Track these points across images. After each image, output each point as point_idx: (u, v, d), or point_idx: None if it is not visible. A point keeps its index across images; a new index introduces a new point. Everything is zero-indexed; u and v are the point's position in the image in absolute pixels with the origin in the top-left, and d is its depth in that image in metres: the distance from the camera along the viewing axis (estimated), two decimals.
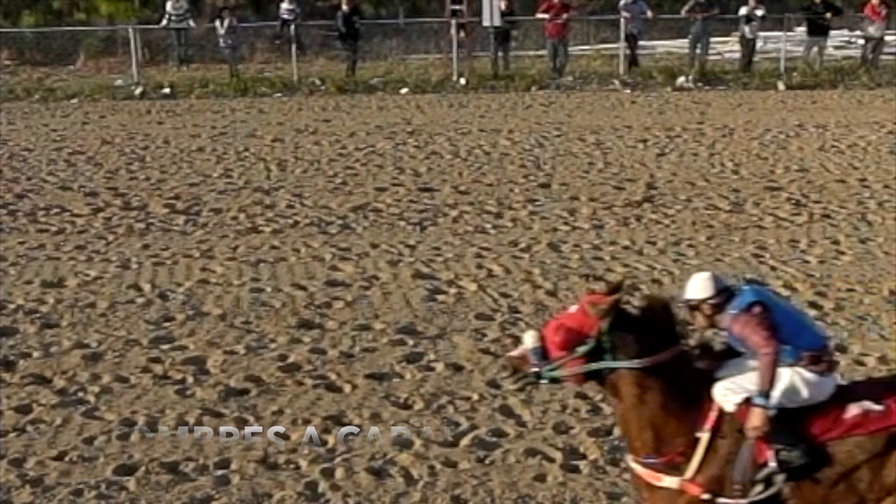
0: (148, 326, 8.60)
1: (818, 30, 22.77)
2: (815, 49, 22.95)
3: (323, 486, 6.18)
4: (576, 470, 6.30)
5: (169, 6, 23.23)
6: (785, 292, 9.32)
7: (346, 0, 22.27)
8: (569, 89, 21.45)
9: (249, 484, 6.21)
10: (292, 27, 22.84)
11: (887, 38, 23.38)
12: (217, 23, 22.85)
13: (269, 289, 9.52)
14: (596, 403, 7.18)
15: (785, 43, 23.25)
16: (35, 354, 8.06)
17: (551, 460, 6.41)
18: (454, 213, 12.05)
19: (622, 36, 22.86)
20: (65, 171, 14.42)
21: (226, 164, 14.68)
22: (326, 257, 10.47)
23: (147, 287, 9.58)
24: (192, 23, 23.86)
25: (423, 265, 10.20)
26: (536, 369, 4.67)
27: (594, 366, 4.62)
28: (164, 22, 23.45)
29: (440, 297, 9.26)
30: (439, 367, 7.79)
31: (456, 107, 19.55)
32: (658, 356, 4.60)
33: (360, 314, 8.89)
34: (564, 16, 22.48)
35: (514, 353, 4.84)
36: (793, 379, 4.62)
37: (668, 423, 4.62)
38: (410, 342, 8.25)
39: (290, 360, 7.92)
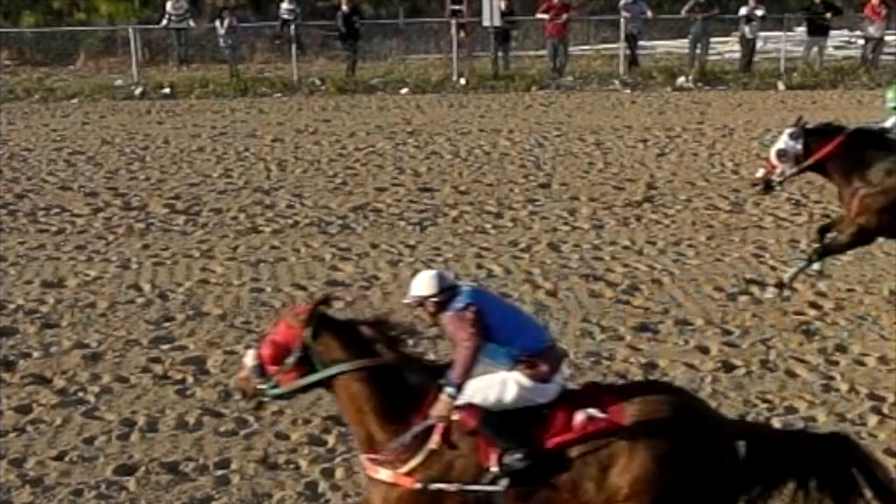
0: (148, 326, 8.60)
1: (818, 30, 22.76)
2: (815, 49, 22.94)
3: (323, 486, 6.19)
4: None
5: (169, 6, 23.22)
6: (785, 292, 9.33)
7: (346, 0, 22.26)
8: (569, 89, 21.45)
9: (249, 484, 6.21)
10: (292, 27, 22.83)
11: (887, 38, 23.37)
12: (217, 23, 22.84)
13: (269, 289, 9.52)
14: None
15: (785, 43, 23.24)
16: (35, 354, 8.06)
17: None
18: (454, 213, 12.05)
19: (622, 36, 22.85)
20: (65, 171, 14.42)
21: (226, 164, 14.68)
22: (326, 257, 10.47)
23: (147, 287, 9.59)
24: (192, 23, 23.85)
25: (424, 265, 10.19)
26: (261, 387, 4.84)
27: (309, 379, 4.82)
28: (164, 22, 23.43)
29: None
30: None
31: (456, 107, 19.55)
32: (368, 360, 4.79)
33: (360, 314, 8.87)
34: (564, 16, 22.47)
35: (240, 373, 5.00)
36: (509, 382, 4.73)
37: (386, 423, 4.77)
38: (410, 342, 8.22)
39: None
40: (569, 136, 16.53)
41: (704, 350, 8.08)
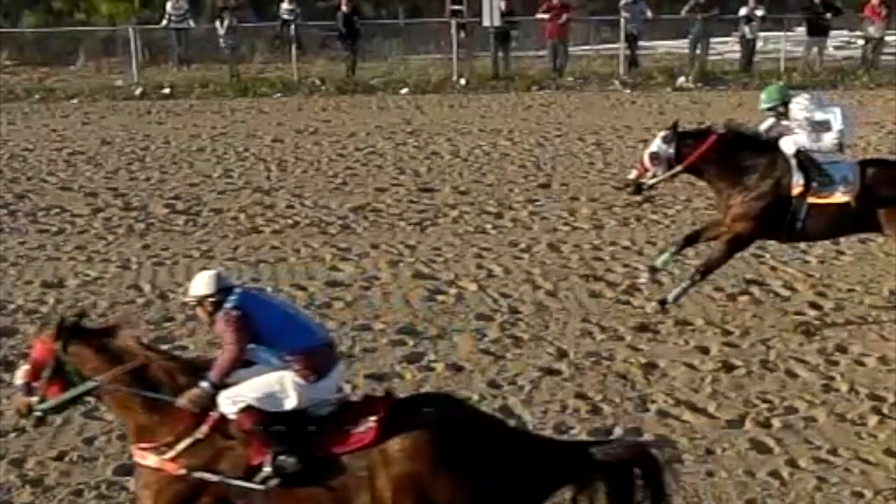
0: (148, 326, 8.60)
1: (818, 30, 22.75)
2: (815, 49, 22.93)
3: None
4: None
5: (169, 6, 23.22)
6: (785, 292, 9.33)
7: (346, 0, 22.26)
8: (569, 89, 21.44)
9: None
10: (292, 27, 22.83)
11: (887, 38, 23.37)
12: (217, 23, 22.84)
13: (269, 289, 9.51)
14: (596, 404, 7.19)
15: (785, 43, 23.24)
16: None
17: None
18: (454, 213, 12.05)
19: (622, 36, 22.85)
20: (65, 171, 14.42)
21: (226, 165, 14.68)
22: (326, 257, 10.47)
23: (147, 287, 9.59)
24: (192, 23, 23.85)
25: (423, 265, 10.20)
26: (31, 403, 5.02)
27: (72, 392, 4.99)
28: (164, 22, 23.43)
29: (440, 298, 9.27)
30: (439, 367, 7.79)
31: (456, 107, 19.54)
32: (121, 368, 4.92)
33: (360, 314, 8.89)
34: (564, 16, 22.47)
35: (15, 393, 5.21)
36: (281, 382, 4.81)
37: (152, 420, 4.92)
38: (410, 342, 8.26)
39: None
40: (569, 136, 16.52)
41: (704, 350, 8.08)
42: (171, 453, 4.87)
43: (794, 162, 8.44)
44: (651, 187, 9.04)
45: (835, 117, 8.47)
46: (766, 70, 22.82)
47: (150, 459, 4.92)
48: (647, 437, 6.65)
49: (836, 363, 7.84)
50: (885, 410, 7.05)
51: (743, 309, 8.99)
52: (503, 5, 22.21)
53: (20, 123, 18.18)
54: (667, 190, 13.01)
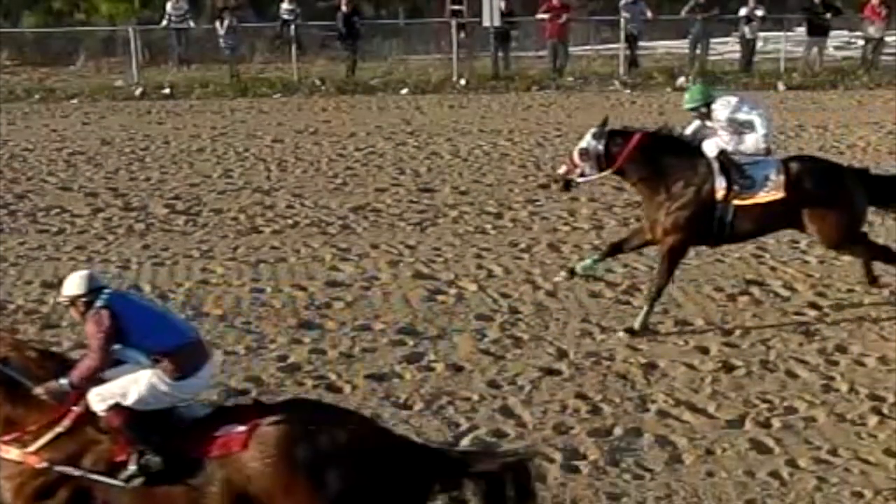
0: None
1: (818, 30, 22.76)
2: (815, 49, 22.94)
3: None
4: (576, 470, 6.30)
5: (169, 7, 23.23)
6: (785, 292, 9.33)
7: (346, 1, 22.27)
8: (569, 89, 21.44)
9: None
10: (292, 27, 22.83)
11: (887, 38, 23.37)
12: (217, 23, 22.84)
13: (269, 289, 9.52)
14: (596, 404, 7.19)
15: (785, 43, 23.25)
16: None
17: (551, 461, 6.40)
18: (454, 213, 12.05)
19: (622, 36, 22.85)
20: (65, 171, 14.42)
21: (226, 165, 14.68)
22: (326, 257, 10.47)
23: (147, 287, 9.59)
24: (192, 23, 23.86)
25: (423, 265, 10.20)
26: None
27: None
28: (164, 22, 23.44)
29: (440, 298, 9.27)
30: (439, 367, 7.79)
31: (456, 107, 19.54)
32: None
33: (360, 314, 8.89)
34: (564, 16, 22.47)
35: None
36: (148, 380, 4.86)
37: (16, 412, 4.96)
38: (410, 342, 8.26)
39: (290, 360, 7.92)
40: (569, 136, 16.48)
41: (704, 350, 8.08)
42: (34, 446, 4.90)
43: (715, 165, 8.37)
44: (578, 185, 8.97)
45: (758, 118, 8.42)
46: (766, 70, 22.83)
47: (13, 452, 4.95)
48: (646, 436, 6.66)
49: (836, 363, 7.84)
50: (885, 410, 7.05)
51: (743, 309, 8.99)
52: (503, 5, 22.22)
53: (20, 123, 18.18)
54: None
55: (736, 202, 8.34)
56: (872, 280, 9.02)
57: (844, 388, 7.41)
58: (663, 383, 7.50)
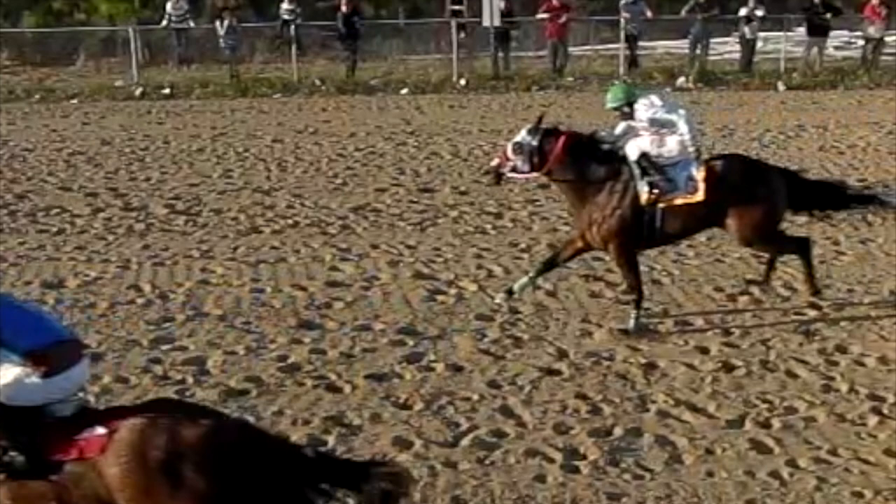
0: (148, 327, 8.60)
1: (818, 30, 22.78)
2: (815, 49, 22.95)
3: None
4: (576, 470, 6.30)
5: (169, 7, 23.24)
6: (785, 292, 9.33)
7: (346, 1, 22.27)
8: (569, 89, 21.45)
9: None
10: (292, 27, 22.84)
11: (887, 38, 23.40)
12: (217, 23, 22.86)
13: (269, 289, 9.52)
14: (596, 404, 7.19)
15: (785, 43, 23.26)
16: None
17: (551, 461, 6.40)
18: (454, 213, 12.05)
19: (622, 36, 22.87)
20: (65, 171, 14.42)
21: (226, 165, 14.68)
22: (326, 258, 10.47)
23: (147, 287, 9.58)
24: (192, 23, 23.88)
25: (423, 265, 10.21)
26: None
27: None
28: (164, 22, 23.46)
29: (440, 298, 9.27)
30: (439, 367, 7.79)
31: (456, 107, 19.55)
32: None
33: (360, 314, 8.89)
34: (564, 16, 22.48)
35: None
36: (16, 378, 4.78)
37: None
38: (410, 342, 8.26)
39: (290, 360, 7.92)
40: None
41: (704, 350, 8.08)
42: None
43: (636, 170, 8.32)
44: (509, 179, 8.90)
45: (680, 120, 8.38)
46: (766, 70, 22.84)
47: None
48: (646, 436, 6.66)
49: (836, 363, 7.84)
50: (885, 410, 7.04)
51: (743, 309, 8.99)
52: (503, 5, 22.22)
53: (20, 123, 18.18)
54: None
55: (661, 204, 8.30)
56: (766, 278, 8.97)
57: (844, 388, 7.41)
58: (663, 383, 7.50)
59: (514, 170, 8.58)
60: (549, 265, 8.87)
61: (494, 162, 8.84)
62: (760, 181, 8.46)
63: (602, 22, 25.38)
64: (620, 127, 8.56)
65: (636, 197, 8.30)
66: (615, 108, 8.63)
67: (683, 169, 8.36)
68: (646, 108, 8.39)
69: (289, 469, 4.70)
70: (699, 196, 8.29)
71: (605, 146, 8.48)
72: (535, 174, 8.64)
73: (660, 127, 8.36)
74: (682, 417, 6.98)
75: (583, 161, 8.40)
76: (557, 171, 8.49)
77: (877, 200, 9.14)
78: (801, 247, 8.77)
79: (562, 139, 8.41)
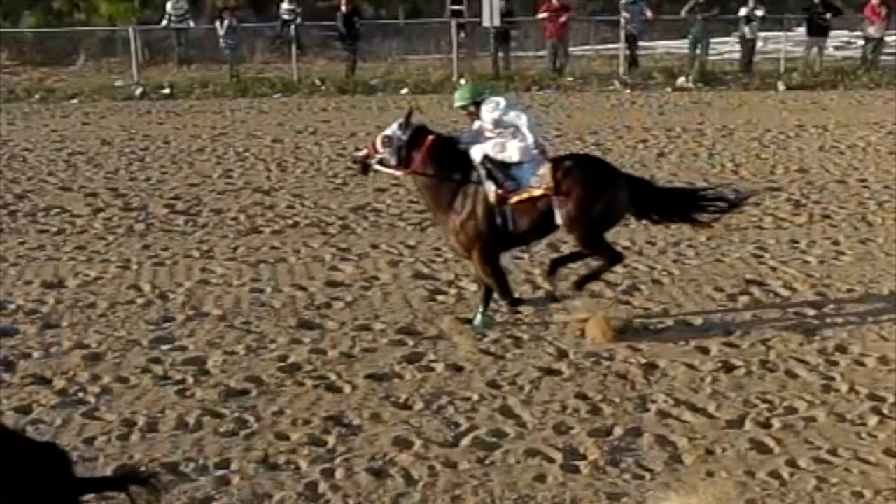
0: (148, 327, 8.60)
1: (818, 30, 22.79)
2: (815, 49, 22.96)
3: (323, 486, 6.18)
4: (576, 470, 6.30)
5: (169, 7, 23.25)
6: (785, 292, 9.33)
7: (346, 1, 22.28)
8: (569, 89, 21.45)
9: (249, 484, 6.21)
10: (292, 27, 22.85)
11: (887, 38, 23.40)
12: (217, 23, 22.86)
13: (269, 289, 9.52)
14: (596, 404, 7.19)
15: (785, 43, 23.26)
16: (35, 355, 8.05)
17: (551, 461, 6.40)
18: None
19: (622, 36, 22.88)
20: (65, 171, 14.42)
21: (226, 165, 14.68)
22: (326, 258, 10.47)
23: (147, 287, 9.58)
24: (192, 23, 23.88)
25: (423, 265, 10.21)
26: None
27: None
28: (164, 22, 23.47)
29: (440, 298, 9.26)
30: (439, 367, 7.79)
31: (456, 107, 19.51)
32: None
33: (360, 314, 8.89)
34: (564, 16, 22.49)
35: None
36: None
37: None
38: (410, 342, 8.25)
39: (290, 360, 7.92)
40: (569, 136, 16.53)
41: (704, 350, 8.08)
42: None
43: (482, 171, 8.31)
44: (377, 171, 8.87)
45: (523, 124, 8.33)
46: (766, 70, 22.85)
47: None
48: (646, 436, 6.66)
49: (836, 363, 7.84)
50: (885, 410, 7.04)
51: (743, 309, 8.99)
52: (503, 5, 22.24)
53: (20, 123, 18.18)
54: None
55: (511, 203, 8.28)
56: (551, 272, 8.80)
57: (844, 388, 7.41)
58: (663, 383, 7.50)
59: (381, 162, 8.62)
60: (486, 294, 8.69)
61: (363, 152, 8.88)
62: (604, 182, 8.39)
63: (602, 22, 25.39)
64: (474, 127, 8.58)
65: (486, 199, 8.30)
66: (462, 108, 8.64)
67: (529, 168, 8.34)
68: (490, 109, 8.38)
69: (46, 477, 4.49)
70: (537, 191, 8.24)
71: (461, 148, 8.50)
72: (400, 172, 8.64)
73: (503, 129, 8.36)
74: (682, 417, 6.98)
75: (444, 163, 8.41)
76: (420, 171, 8.50)
77: (733, 200, 9.05)
78: (612, 260, 8.64)
79: (429, 139, 8.42)
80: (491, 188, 8.27)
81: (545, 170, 8.29)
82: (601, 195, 8.33)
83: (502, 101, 8.52)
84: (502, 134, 8.34)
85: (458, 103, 8.66)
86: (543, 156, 8.45)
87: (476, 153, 8.35)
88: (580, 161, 8.69)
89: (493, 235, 8.34)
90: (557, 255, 9.21)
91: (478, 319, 8.59)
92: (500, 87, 21.40)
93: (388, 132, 8.53)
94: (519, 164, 8.31)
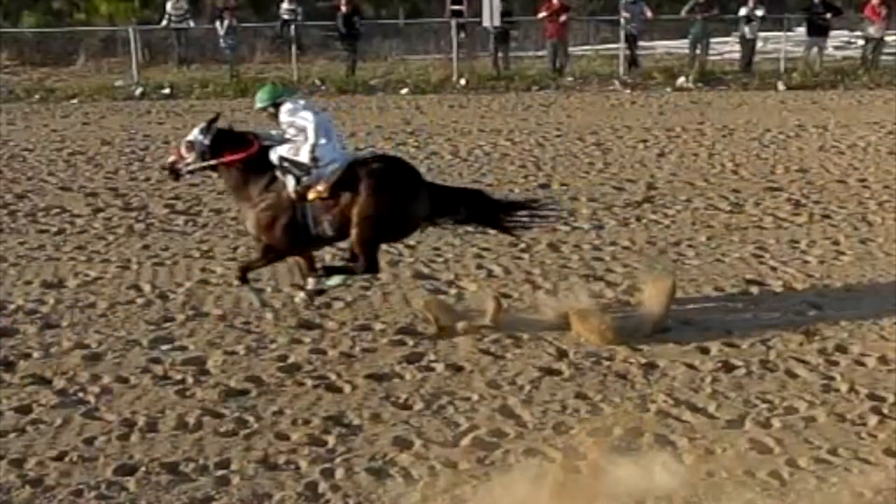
0: (148, 326, 8.60)
1: (818, 30, 22.78)
2: (815, 49, 22.95)
3: (323, 486, 6.19)
4: (576, 470, 6.30)
5: (169, 6, 23.24)
6: (785, 292, 9.33)
7: (346, 1, 22.28)
8: (569, 89, 21.45)
9: (249, 484, 6.21)
10: (292, 27, 22.84)
11: (887, 38, 23.39)
12: (217, 23, 22.85)
13: (269, 289, 9.52)
14: (596, 404, 7.19)
15: (785, 43, 23.26)
16: (35, 355, 8.06)
17: (551, 460, 6.40)
18: None
19: (622, 36, 22.87)
20: (65, 171, 14.42)
21: None
22: (326, 258, 10.45)
23: (147, 287, 9.58)
24: (192, 23, 23.87)
25: (423, 265, 10.20)
26: None
27: None
28: (164, 22, 23.45)
29: (440, 298, 9.26)
30: (439, 367, 7.80)
31: (456, 107, 19.55)
32: None
33: (360, 314, 8.89)
34: (564, 16, 22.48)
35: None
36: None
37: None
38: (410, 342, 8.25)
39: (290, 360, 7.93)
40: (569, 136, 16.53)
41: (704, 350, 8.08)
42: None
43: (279, 171, 8.42)
44: (189, 173, 8.95)
45: (311, 127, 8.36)
46: (766, 70, 22.85)
47: None
48: (646, 436, 6.66)
49: (836, 363, 7.84)
50: (885, 410, 7.05)
51: (743, 309, 8.99)
52: (503, 5, 22.23)
53: (20, 123, 18.18)
54: (667, 190, 13.04)
55: (310, 197, 8.35)
56: (311, 270, 8.84)
57: (844, 388, 7.41)
58: (663, 383, 7.50)
59: (188, 167, 8.78)
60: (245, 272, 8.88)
61: (170, 159, 8.98)
62: (400, 186, 8.42)
63: (602, 22, 25.38)
64: (276, 129, 8.67)
65: (286, 195, 8.40)
66: (262, 109, 8.72)
67: (330, 165, 8.39)
68: (286, 111, 8.48)
69: None
70: (324, 193, 8.30)
71: (265, 146, 8.59)
72: (212, 164, 8.69)
73: (297, 131, 8.44)
74: (682, 417, 6.98)
75: (251, 164, 8.52)
76: (226, 173, 8.67)
77: (538, 209, 9.14)
78: (369, 269, 8.63)
79: (252, 149, 8.53)
80: (291, 185, 8.39)
81: (338, 171, 8.37)
82: (395, 198, 8.37)
83: (300, 103, 8.69)
84: (297, 135, 8.45)
85: (258, 105, 8.78)
86: (344, 157, 8.56)
87: (273, 154, 8.48)
88: (381, 163, 8.66)
89: (290, 231, 8.44)
90: (329, 265, 9.21)
91: (333, 280, 8.79)
92: (499, 86, 21.49)
93: (190, 137, 8.72)
94: (324, 163, 8.40)
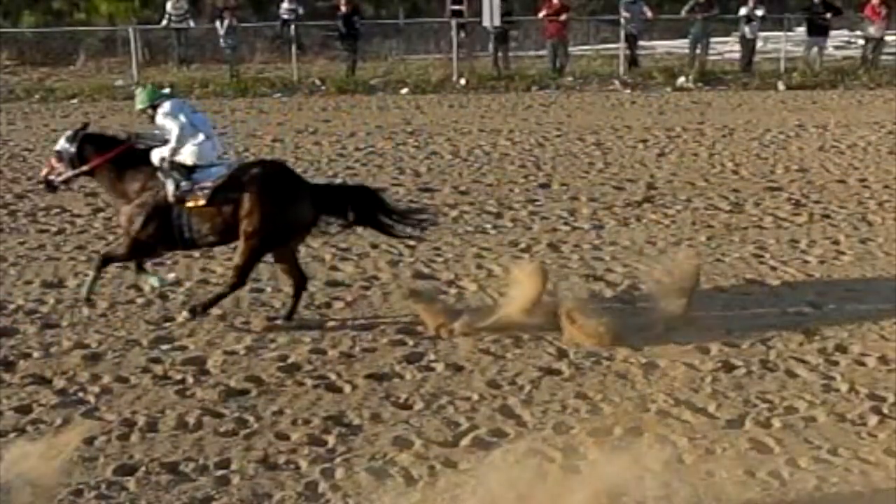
0: (148, 326, 8.60)
1: (818, 30, 22.78)
2: (815, 49, 22.95)
3: (323, 486, 6.19)
4: (576, 470, 6.30)
5: (169, 6, 23.23)
6: (785, 292, 9.33)
7: (346, 1, 22.27)
8: (569, 89, 21.45)
9: (249, 484, 6.21)
10: (292, 27, 22.84)
11: (887, 38, 23.39)
12: (217, 23, 22.84)
13: (269, 289, 9.52)
14: (596, 404, 7.19)
15: (785, 43, 23.26)
16: (35, 355, 8.06)
17: (551, 460, 6.40)
18: (454, 213, 12.04)
19: (622, 36, 22.87)
20: None
21: None
22: (326, 257, 10.47)
23: (147, 287, 9.57)
24: (192, 23, 23.87)
25: (423, 265, 10.20)
26: None
27: None
28: (164, 22, 23.44)
29: (440, 298, 9.25)
30: (439, 367, 7.80)
31: (456, 107, 19.54)
32: None
33: (360, 314, 8.89)
34: (564, 16, 22.48)
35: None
36: None
37: None
38: (410, 342, 8.25)
39: (290, 360, 7.93)
40: (569, 136, 16.53)
41: (704, 350, 8.08)
42: None
43: (161, 173, 8.42)
44: (63, 183, 8.99)
45: (175, 130, 8.37)
46: (766, 70, 22.84)
47: None
48: (646, 436, 6.66)
49: (836, 363, 7.84)
50: (885, 410, 7.05)
51: (743, 309, 8.99)
52: (503, 5, 22.23)
53: (20, 123, 18.17)
54: (667, 190, 13.04)
55: (189, 205, 8.34)
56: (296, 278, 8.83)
57: (844, 388, 7.41)
58: (663, 383, 7.50)
59: (60, 177, 8.84)
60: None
61: (43, 171, 9.04)
62: (278, 193, 8.41)
63: (602, 22, 25.37)
64: (156, 130, 8.67)
65: (164, 197, 8.38)
66: (142, 111, 8.76)
67: (214, 171, 8.41)
68: (162, 114, 8.50)
69: None
70: (202, 202, 8.30)
71: (142, 147, 8.61)
72: (83, 171, 8.70)
73: (168, 132, 8.45)
74: (682, 417, 6.98)
75: (125, 164, 8.55)
76: (100, 175, 8.69)
77: (415, 216, 9.13)
78: (237, 284, 8.62)
79: (121, 149, 8.56)
80: (170, 189, 8.38)
81: (220, 178, 8.37)
82: (277, 204, 8.37)
83: (177, 104, 8.67)
84: (169, 137, 8.45)
85: (137, 106, 8.82)
86: (225, 163, 8.62)
87: (154, 155, 8.49)
88: (261, 169, 8.64)
89: (161, 232, 8.43)
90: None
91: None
92: (499, 86, 21.48)
93: (57, 147, 8.78)
94: (205, 167, 8.41)
